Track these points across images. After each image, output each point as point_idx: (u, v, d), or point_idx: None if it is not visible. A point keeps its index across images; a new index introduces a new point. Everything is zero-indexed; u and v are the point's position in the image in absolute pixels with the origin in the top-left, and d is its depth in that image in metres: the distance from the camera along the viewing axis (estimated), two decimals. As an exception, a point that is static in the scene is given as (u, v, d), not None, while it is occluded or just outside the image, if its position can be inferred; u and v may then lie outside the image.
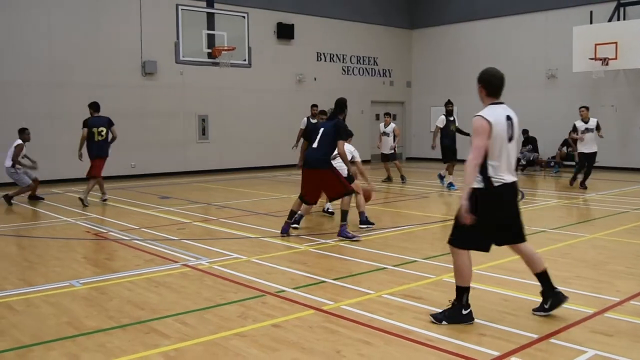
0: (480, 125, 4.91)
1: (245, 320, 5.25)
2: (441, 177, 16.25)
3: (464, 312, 5.10)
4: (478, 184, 4.99)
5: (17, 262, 7.73)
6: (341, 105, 9.43)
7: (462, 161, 16.59)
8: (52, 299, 5.95)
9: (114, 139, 13.41)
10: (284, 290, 6.12)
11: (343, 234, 8.82)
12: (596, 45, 18.48)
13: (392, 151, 17.26)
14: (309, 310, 5.48)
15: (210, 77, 19.78)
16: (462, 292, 5.12)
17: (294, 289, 6.19)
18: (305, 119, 14.89)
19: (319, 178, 8.99)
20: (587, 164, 15.28)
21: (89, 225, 10.29)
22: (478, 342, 4.69)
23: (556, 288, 5.35)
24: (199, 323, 5.19)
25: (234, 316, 5.35)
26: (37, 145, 16.97)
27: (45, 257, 7.90)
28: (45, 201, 13.49)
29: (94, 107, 13.37)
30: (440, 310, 5.25)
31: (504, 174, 5.02)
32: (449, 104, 15.79)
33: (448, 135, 15.66)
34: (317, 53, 23.52)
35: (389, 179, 17.20)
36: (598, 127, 14.97)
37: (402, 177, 17.04)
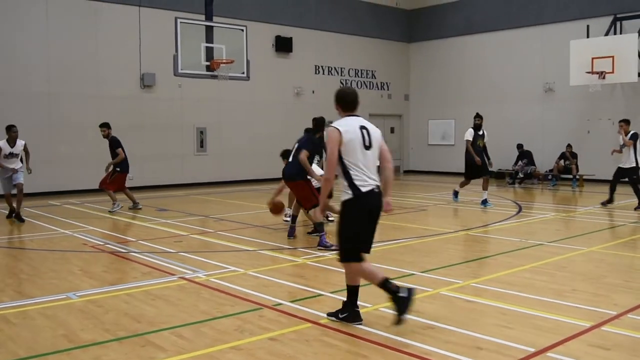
0: (330, 135, 5.36)
1: (242, 333, 5.23)
2: (456, 194, 15.25)
3: (404, 301, 5.28)
4: (346, 196, 5.33)
5: (13, 274, 7.71)
6: (319, 124, 10.01)
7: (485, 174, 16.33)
8: (48, 312, 5.93)
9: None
10: (281, 304, 6.11)
11: (322, 244, 9.10)
12: (593, 59, 18.56)
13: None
14: (306, 324, 5.47)
15: (208, 90, 19.83)
16: (382, 286, 5.38)
17: (291, 302, 6.18)
18: None
19: (295, 189, 9.81)
20: (629, 180, 14.34)
21: (86, 238, 10.27)
22: (475, 355, 4.68)
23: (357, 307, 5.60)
24: (196, 336, 5.17)
25: (231, 329, 5.34)
26: (34, 157, 17.00)
27: (42, 270, 7.88)
28: (42, 213, 13.45)
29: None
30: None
31: (366, 179, 5.34)
32: (477, 117, 14.35)
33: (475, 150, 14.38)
34: (316, 66, 23.58)
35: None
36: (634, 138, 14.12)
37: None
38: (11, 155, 12.25)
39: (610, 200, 14.28)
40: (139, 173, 18.96)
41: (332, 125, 5.42)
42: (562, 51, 20.11)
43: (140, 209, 13.85)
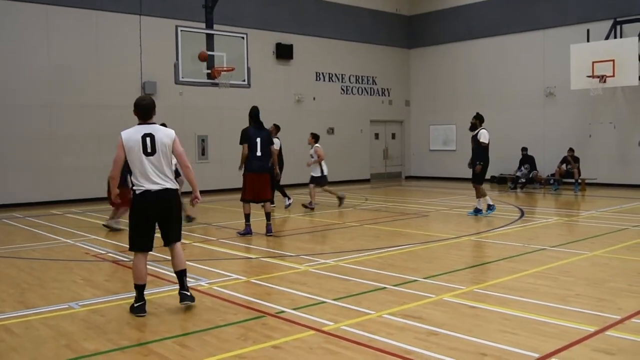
0: (118, 141, 6.11)
1: (245, 341, 5.22)
2: (490, 207, 13.68)
3: (136, 305, 6.09)
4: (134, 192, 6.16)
5: (15, 284, 7.70)
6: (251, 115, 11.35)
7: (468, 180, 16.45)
8: (51, 322, 5.93)
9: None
10: (283, 311, 6.10)
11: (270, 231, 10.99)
12: (593, 62, 18.59)
13: (322, 174, 15.32)
14: (309, 331, 5.46)
15: (209, 98, 19.86)
16: (137, 288, 6.15)
17: (293, 309, 6.16)
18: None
19: (264, 180, 11.16)
20: None
21: (88, 247, 10.26)
22: (479, 362, 4.66)
23: (187, 291, 6.32)
24: (199, 345, 5.16)
25: (234, 338, 5.33)
26: (36, 166, 17.02)
27: (44, 279, 7.87)
28: (44, 223, 13.46)
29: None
30: None
31: (143, 182, 6.08)
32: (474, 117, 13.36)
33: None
34: (316, 73, 23.63)
35: (310, 206, 15.23)
36: None
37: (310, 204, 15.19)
38: None
39: None
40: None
41: (121, 133, 6.15)
42: (562, 55, 20.14)
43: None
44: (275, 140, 14.44)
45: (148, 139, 6.07)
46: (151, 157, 6.07)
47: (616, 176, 19.85)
